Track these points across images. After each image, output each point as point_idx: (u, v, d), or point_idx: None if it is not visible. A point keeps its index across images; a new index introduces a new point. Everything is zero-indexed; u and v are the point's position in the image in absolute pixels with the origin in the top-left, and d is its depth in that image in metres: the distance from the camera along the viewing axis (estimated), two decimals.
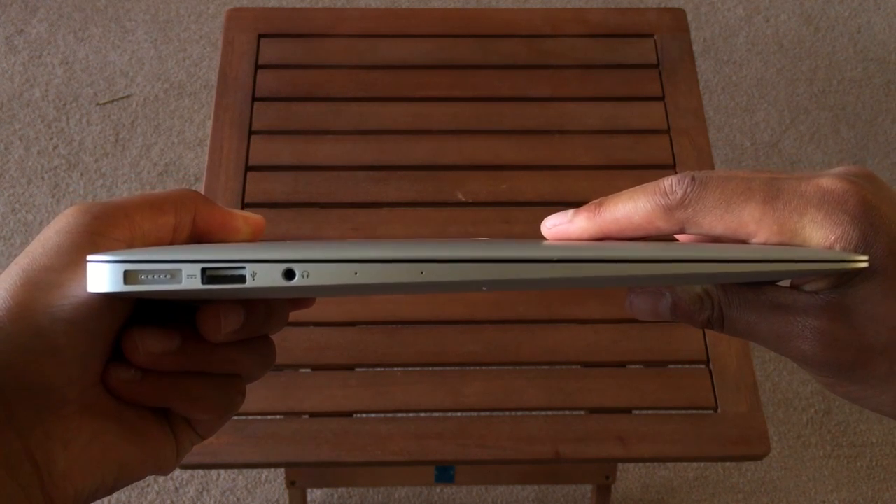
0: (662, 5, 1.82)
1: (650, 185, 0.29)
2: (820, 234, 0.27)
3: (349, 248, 0.27)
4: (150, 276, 0.27)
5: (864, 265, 0.27)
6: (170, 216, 0.31)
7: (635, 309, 0.33)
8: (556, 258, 0.26)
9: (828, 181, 0.27)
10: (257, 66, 1.12)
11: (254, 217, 0.33)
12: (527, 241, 0.31)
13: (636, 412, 0.90)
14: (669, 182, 0.29)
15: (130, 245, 0.30)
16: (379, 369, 0.93)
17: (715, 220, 0.28)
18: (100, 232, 0.29)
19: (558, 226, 0.31)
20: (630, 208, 0.29)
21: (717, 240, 0.30)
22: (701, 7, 1.90)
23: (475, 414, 0.90)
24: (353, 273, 0.26)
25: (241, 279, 0.26)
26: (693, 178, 0.28)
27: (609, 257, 0.27)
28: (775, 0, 1.92)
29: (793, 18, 1.90)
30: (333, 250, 0.26)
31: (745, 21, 1.89)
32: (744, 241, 0.29)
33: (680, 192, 0.28)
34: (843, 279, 0.28)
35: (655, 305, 0.32)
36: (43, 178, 1.64)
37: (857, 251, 0.26)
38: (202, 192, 0.34)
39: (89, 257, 0.27)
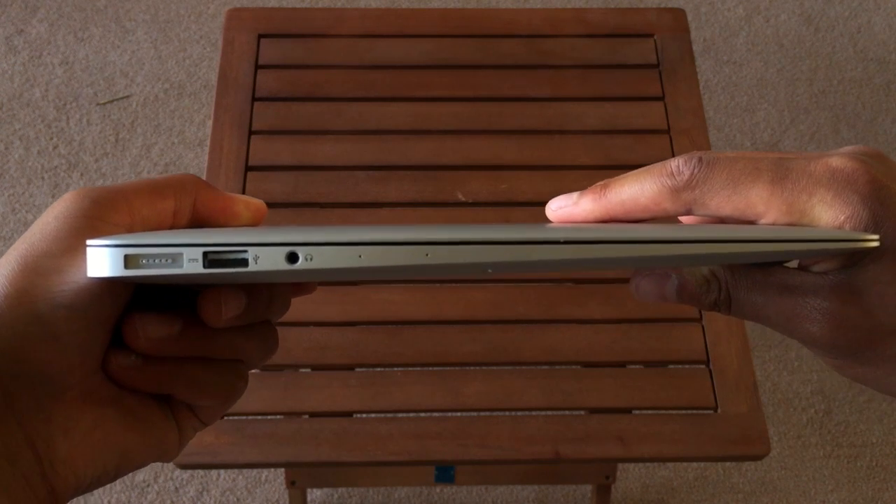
0: (662, 5, 1.82)
1: (656, 167, 0.29)
2: (829, 215, 0.26)
3: (353, 231, 0.27)
4: (150, 261, 0.26)
5: (875, 244, 0.26)
6: (170, 201, 0.30)
7: (641, 292, 0.32)
8: (562, 239, 0.26)
9: (837, 160, 0.27)
10: (257, 66, 1.12)
11: (255, 201, 0.32)
12: (531, 224, 0.30)
13: (636, 412, 0.90)
14: (676, 163, 0.28)
15: (130, 230, 0.29)
16: (379, 369, 0.93)
17: (723, 200, 0.28)
18: (99, 217, 0.29)
19: (563, 208, 0.31)
20: (636, 190, 0.29)
21: (724, 221, 0.30)
22: (701, 7, 1.90)
23: (475, 414, 0.90)
24: (357, 256, 0.26)
25: (244, 263, 0.26)
26: (700, 159, 0.28)
27: (616, 238, 0.26)
28: (775, 0, 1.92)
29: (793, 18, 1.90)
30: (337, 233, 0.26)
31: (745, 21, 1.89)
32: (752, 223, 0.28)
33: (687, 173, 0.28)
34: (853, 259, 0.27)
35: (661, 288, 0.31)
36: (43, 178, 1.64)
37: (867, 231, 0.26)
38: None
39: (89, 241, 0.27)
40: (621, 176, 0.30)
